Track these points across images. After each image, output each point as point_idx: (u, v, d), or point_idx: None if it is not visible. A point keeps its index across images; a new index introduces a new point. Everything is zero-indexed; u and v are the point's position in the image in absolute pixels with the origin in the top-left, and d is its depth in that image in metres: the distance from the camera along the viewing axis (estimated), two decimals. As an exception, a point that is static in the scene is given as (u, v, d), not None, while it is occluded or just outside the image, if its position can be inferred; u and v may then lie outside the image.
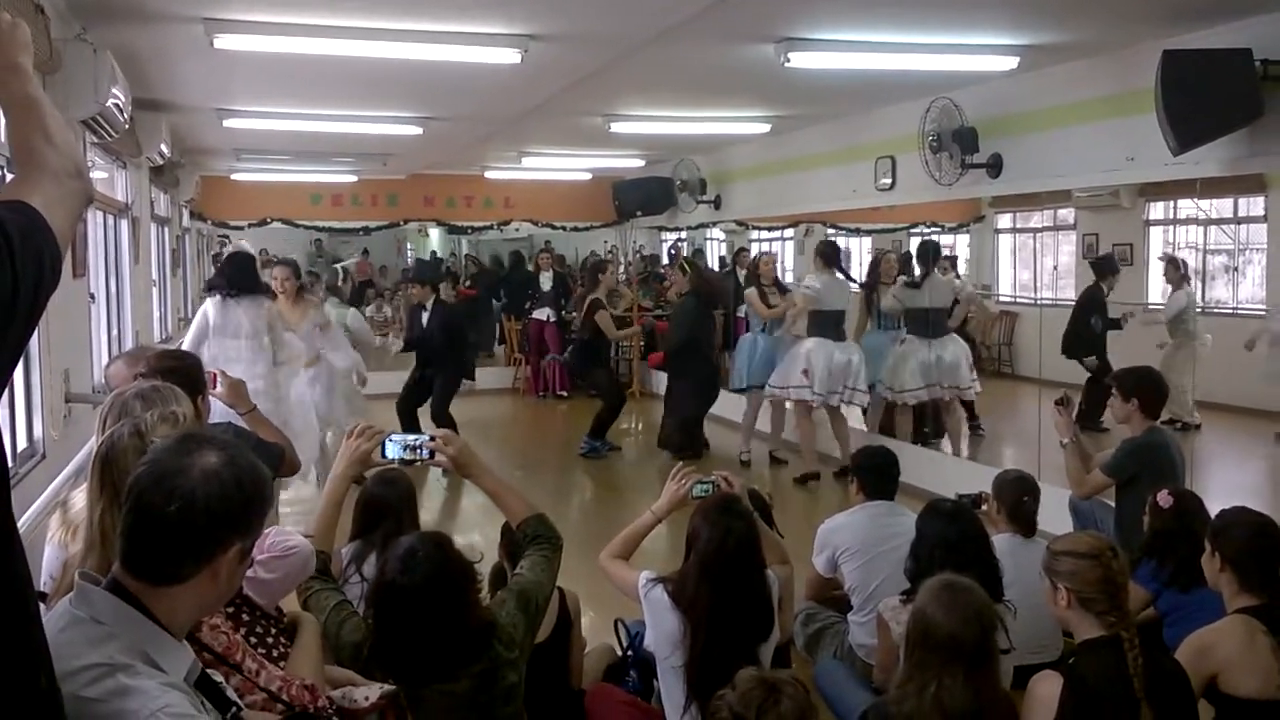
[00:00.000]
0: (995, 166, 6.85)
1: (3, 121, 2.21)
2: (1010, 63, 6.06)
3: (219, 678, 1.76)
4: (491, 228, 14.12)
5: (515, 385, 13.25)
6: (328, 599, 2.78)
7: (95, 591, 1.62)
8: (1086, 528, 4.62)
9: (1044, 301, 9.87)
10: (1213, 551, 3.19)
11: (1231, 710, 2.94)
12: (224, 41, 5.21)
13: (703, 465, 6.98)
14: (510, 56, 5.54)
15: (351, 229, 13.87)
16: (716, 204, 11.35)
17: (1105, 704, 2.66)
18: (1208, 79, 4.87)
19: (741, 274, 11.24)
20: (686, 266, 9.41)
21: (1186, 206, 8.54)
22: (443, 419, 8.36)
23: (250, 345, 6.09)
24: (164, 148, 7.74)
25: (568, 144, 10.53)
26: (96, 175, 6.69)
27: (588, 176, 13.14)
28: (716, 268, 12.54)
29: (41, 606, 1.58)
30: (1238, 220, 8.57)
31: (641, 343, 12.38)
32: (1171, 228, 8.85)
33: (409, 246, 20.55)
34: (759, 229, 12.38)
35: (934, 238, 9.47)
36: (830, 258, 8.17)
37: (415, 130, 8.63)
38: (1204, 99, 4.87)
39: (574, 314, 11.52)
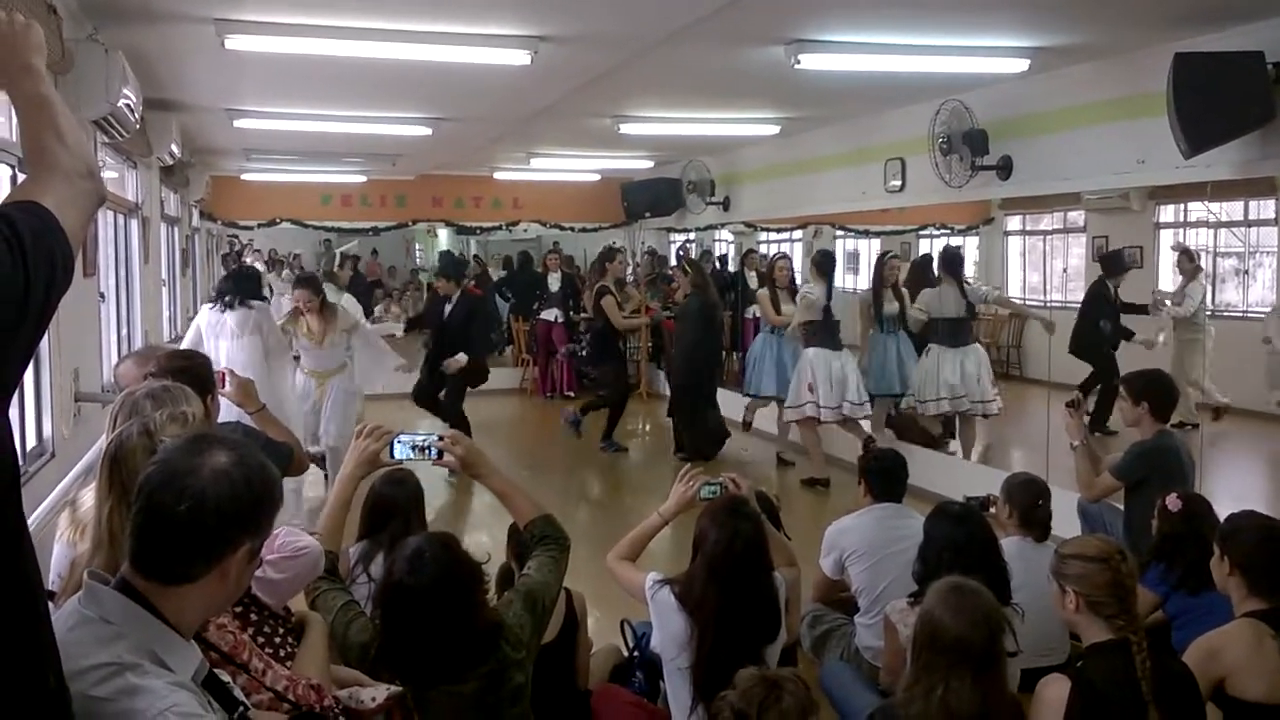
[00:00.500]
0: (1005, 169, 6.83)
1: (16, 121, 2.22)
2: (1021, 65, 6.05)
3: (226, 677, 1.76)
4: (500, 228, 14.13)
5: (523, 386, 13.26)
6: (335, 599, 2.78)
7: (104, 591, 1.62)
8: (1095, 531, 4.61)
9: (1053, 304, 9.85)
10: (1221, 555, 3.18)
11: (1239, 714, 2.94)
12: (235, 42, 5.22)
13: (711, 467, 6.99)
14: (520, 58, 5.55)
15: (360, 229, 13.90)
16: (725, 205, 11.35)
17: (1113, 707, 2.65)
18: (1219, 81, 4.85)
19: (750, 275, 11.24)
20: (688, 268, 9.40)
21: (1197, 209, 8.53)
22: (457, 417, 8.40)
23: (237, 344, 6.63)
24: (174, 148, 7.78)
25: (577, 145, 10.54)
26: (107, 175, 6.72)
27: (596, 178, 13.15)
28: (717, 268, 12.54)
29: (50, 606, 1.58)
30: (1248, 223, 8.54)
31: (650, 343, 12.39)
32: (1181, 230, 8.83)
33: (417, 247, 20.58)
34: (768, 230, 12.37)
35: (944, 240, 9.44)
36: (825, 269, 8.04)
37: (425, 131, 8.64)
38: (1216, 101, 4.85)
39: (582, 314, 11.53)
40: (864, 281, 11.17)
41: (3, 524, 1.37)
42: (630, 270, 13.47)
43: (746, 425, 9.05)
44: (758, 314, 9.50)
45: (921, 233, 10.43)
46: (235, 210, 13.39)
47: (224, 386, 3.75)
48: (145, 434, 2.12)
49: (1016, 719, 2.75)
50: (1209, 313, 8.11)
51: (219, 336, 6.72)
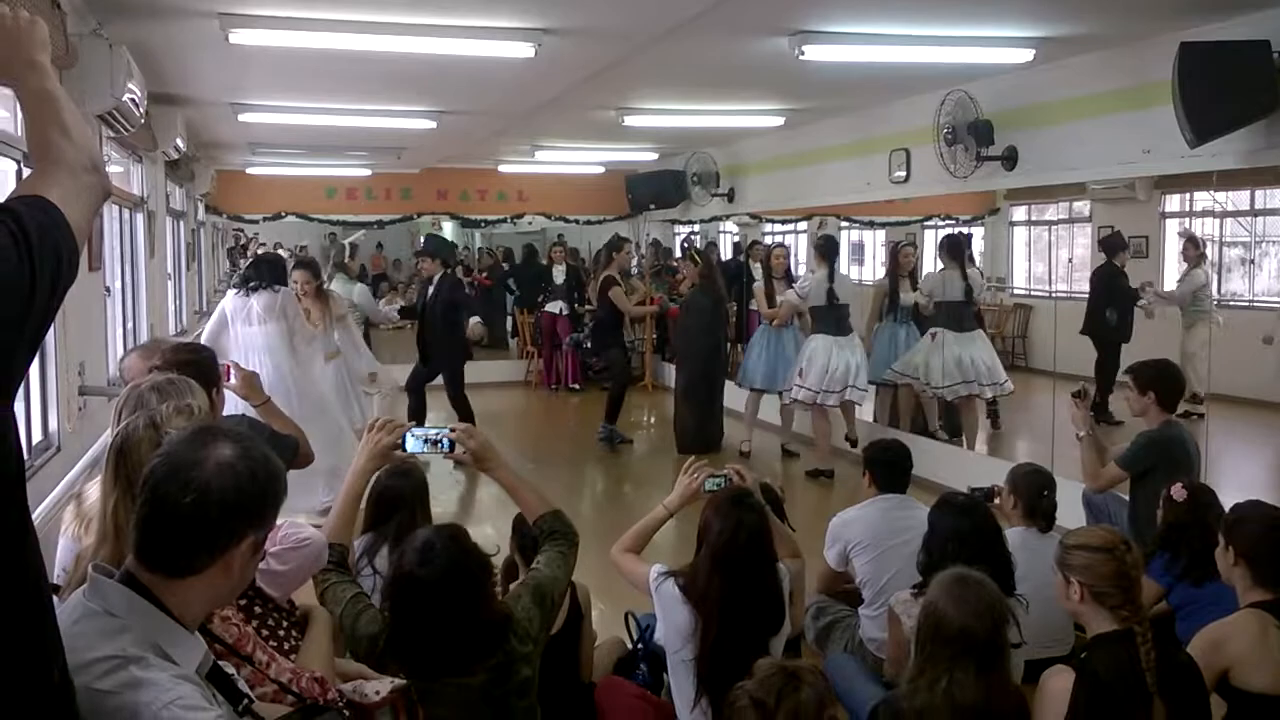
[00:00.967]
0: (1010, 159, 6.81)
1: (21, 116, 2.22)
2: (1026, 55, 6.03)
3: (230, 669, 1.77)
4: (505, 221, 14.15)
5: (527, 378, 13.29)
6: (344, 591, 2.79)
7: (108, 584, 1.63)
8: (1100, 521, 4.61)
9: (1059, 294, 9.82)
10: (1226, 545, 3.18)
11: (1243, 705, 2.94)
12: (239, 36, 5.22)
13: (715, 459, 6.99)
14: (524, 50, 5.54)
15: (365, 222, 13.92)
16: (730, 197, 11.33)
17: (1117, 698, 2.65)
18: (1225, 71, 4.83)
19: (755, 267, 11.22)
20: (696, 258, 9.30)
21: (1203, 199, 8.49)
22: (461, 406, 8.40)
23: (264, 331, 6.42)
24: (179, 142, 7.78)
25: (581, 137, 10.54)
26: (113, 169, 6.74)
27: (601, 170, 13.14)
28: (729, 256, 12.53)
29: (55, 599, 1.59)
30: (1254, 213, 8.51)
31: (654, 335, 12.37)
32: (1187, 220, 8.79)
33: (422, 240, 20.57)
34: (772, 221, 12.35)
35: (951, 229, 9.41)
36: (826, 252, 8.08)
37: (429, 124, 8.64)
38: (1221, 91, 4.83)
39: (587, 306, 11.52)
40: (869, 272, 11.18)
41: (7, 518, 1.37)
42: (635, 262, 13.47)
43: (744, 454, 8.62)
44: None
45: (927, 224, 10.39)
46: (240, 204, 13.42)
47: (229, 379, 3.76)
48: (151, 427, 2.13)
49: (1020, 710, 2.75)
50: (1215, 301, 8.09)
51: (244, 322, 6.50)
